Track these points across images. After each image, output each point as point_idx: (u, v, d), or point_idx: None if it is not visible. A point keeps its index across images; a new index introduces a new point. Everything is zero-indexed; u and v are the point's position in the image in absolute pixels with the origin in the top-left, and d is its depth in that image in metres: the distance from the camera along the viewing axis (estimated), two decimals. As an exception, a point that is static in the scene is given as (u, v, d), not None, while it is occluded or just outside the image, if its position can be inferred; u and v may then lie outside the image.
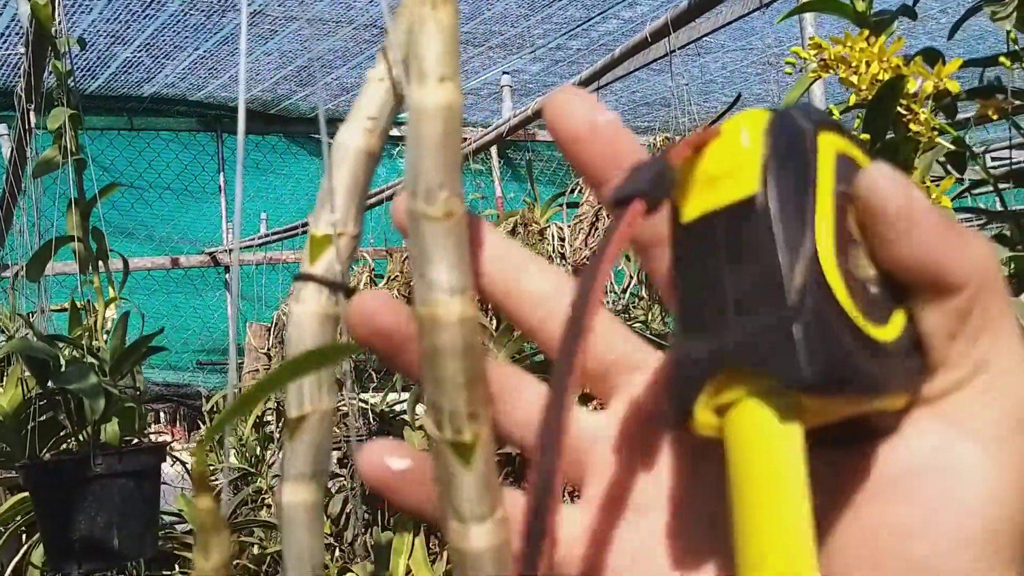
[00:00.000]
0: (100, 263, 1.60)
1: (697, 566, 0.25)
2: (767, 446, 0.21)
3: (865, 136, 1.10)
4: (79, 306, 1.53)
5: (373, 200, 2.97)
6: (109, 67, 3.91)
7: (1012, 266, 1.05)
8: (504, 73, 3.56)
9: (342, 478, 2.88)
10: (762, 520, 0.21)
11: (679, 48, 2.57)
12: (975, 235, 0.23)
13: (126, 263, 1.65)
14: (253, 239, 4.53)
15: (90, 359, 1.42)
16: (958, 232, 0.23)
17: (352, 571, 2.50)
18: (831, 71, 1.12)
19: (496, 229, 0.28)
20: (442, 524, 0.25)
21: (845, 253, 0.22)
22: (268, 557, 2.60)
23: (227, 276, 5.07)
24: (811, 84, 1.20)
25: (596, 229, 2.27)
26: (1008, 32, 1.04)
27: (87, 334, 1.47)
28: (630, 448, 0.27)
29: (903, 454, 0.23)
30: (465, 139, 4.12)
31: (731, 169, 0.23)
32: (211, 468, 3.01)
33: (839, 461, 0.24)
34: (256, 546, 2.64)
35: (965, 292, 0.23)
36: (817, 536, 0.22)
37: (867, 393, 0.22)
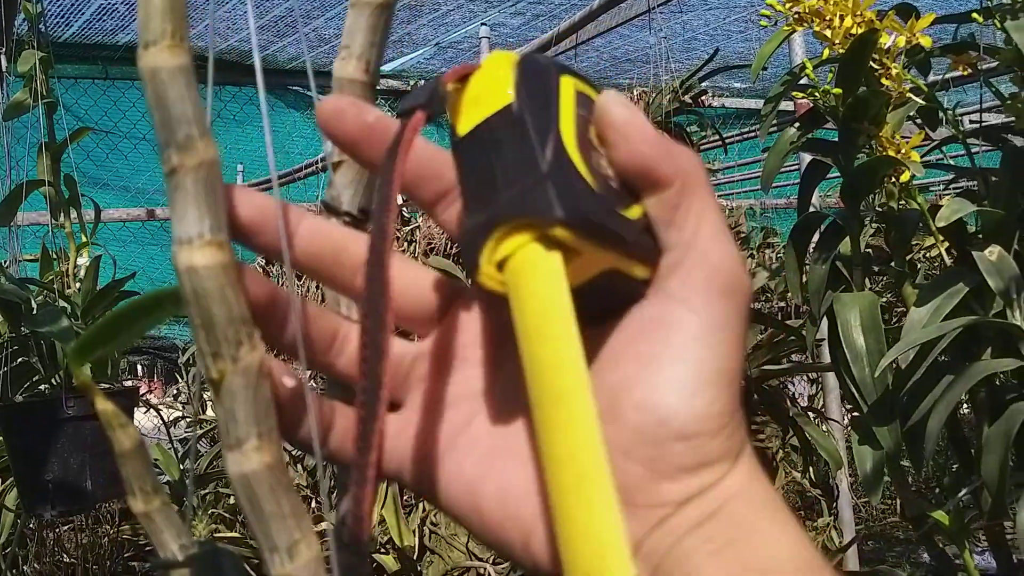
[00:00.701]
0: (72, 210, 1.58)
1: (510, 419, 0.30)
2: (536, 277, 0.26)
3: (837, 90, 1.11)
4: (51, 252, 1.52)
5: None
6: (83, 14, 3.83)
7: (979, 221, 1.06)
8: (483, 25, 3.52)
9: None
10: (541, 350, 0.26)
11: (660, 4, 2.55)
12: (683, 148, 0.29)
13: (98, 208, 1.64)
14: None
15: (62, 303, 1.42)
16: (668, 143, 0.29)
17: (326, 520, 2.52)
18: (806, 24, 1.12)
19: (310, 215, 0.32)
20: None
21: (588, 152, 0.28)
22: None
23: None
24: (786, 38, 1.20)
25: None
26: (981, -13, 1.04)
27: (59, 279, 1.46)
28: (444, 356, 0.32)
29: (634, 322, 0.29)
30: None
31: (491, 90, 0.28)
32: (187, 420, 3.02)
33: (597, 334, 0.30)
34: (232, 496, 2.66)
35: (673, 187, 0.29)
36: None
37: (614, 245, 0.27)
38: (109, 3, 3.77)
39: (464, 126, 0.29)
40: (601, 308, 0.29)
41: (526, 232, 0.26)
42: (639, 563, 0.27)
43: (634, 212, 0.29)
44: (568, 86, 0.29)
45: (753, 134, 3.89)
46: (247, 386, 0.27)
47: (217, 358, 0.27)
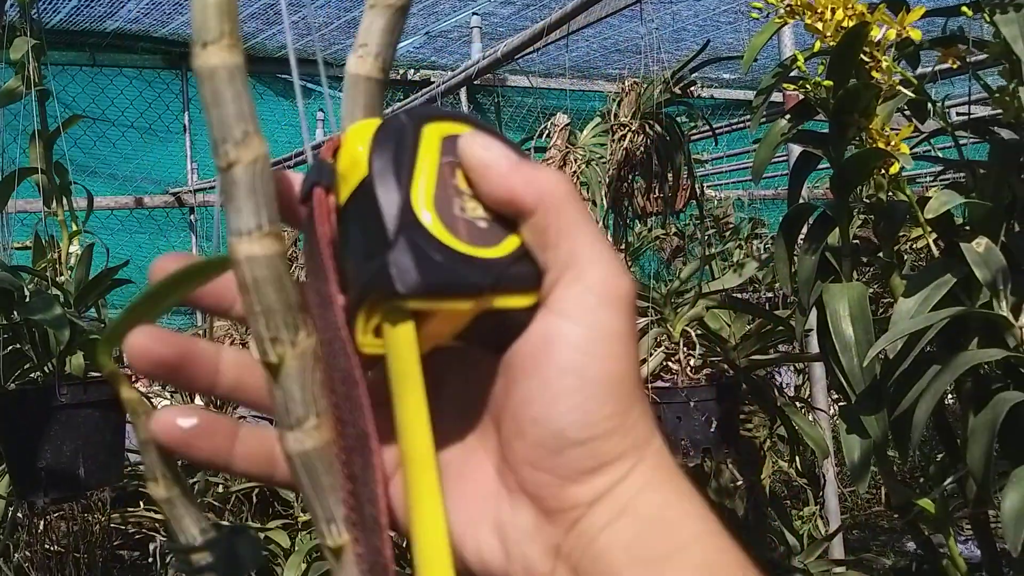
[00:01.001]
0: (63, 197, 1.58)
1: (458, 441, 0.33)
2: (392, 346, 0.29)
3: (828, 83, 1.12)
4: (43, 240, 1.51)
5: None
6: (70, 0, 3.80)
7: (966, 213, 1.08)
8: (474, 15, 3.51)
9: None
10: (401, 409, 0.29)
11: (651, -5, 2.55)
12: (541, 169, 0.31)
13: (90, 196, 1.63)
14: (217, 179, 4.47)
15: (54, 291, 1.41)
16: (525, 171, 0.31)
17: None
18: (797, 17, 1.13)
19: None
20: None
21: (450, 202, 0.30)
22: (232, 496, 2.63)
23: (191, 217, 5.01)
24: (777, 30, 1.21)
25: (563, 172, 2.27)
26: (970, -19, 1.05)
27: (51, 266, 1.46)
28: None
29: (524, 342, 0.31)
30: (432, 82, 4.08)
31: (353, 163, 0.31)
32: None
33: (499, 360, 0.32)
34: (220, 485, 2.66)
35: (538, 212, 0.30)
36: (494, 418, 0.31)
37: (469, 294, 0.29)
38: (97, -11, 3.74)
39: (341, 197, 0.31)
40: (500, 338, 0.31)
41: (382, 305, 0.29)
42: (560, 565, 0.29)
43: (509, 244, 0.31)
44: (432, 137, 0.31)
45: (741, 125, 3.90)
46: (304, 369, 0.29)
47: (276, 343, 0.29)
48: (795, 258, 1.19)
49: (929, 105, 1.12)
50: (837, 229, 1.16)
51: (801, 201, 1.23)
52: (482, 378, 0.33)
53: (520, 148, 0.33)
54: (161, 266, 0.32)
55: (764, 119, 1.27)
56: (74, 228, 1.56)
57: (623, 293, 0.30)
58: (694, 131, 2.26)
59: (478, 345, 0.32)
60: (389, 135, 0.31)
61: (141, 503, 2.61)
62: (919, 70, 1.15)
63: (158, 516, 2.54)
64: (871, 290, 1.81)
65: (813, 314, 1.16)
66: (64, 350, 1.36)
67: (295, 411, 0.29)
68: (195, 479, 2.66)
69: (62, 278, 1.55)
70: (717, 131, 2.66)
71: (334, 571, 0.29)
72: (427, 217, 0.30)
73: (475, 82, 2.77)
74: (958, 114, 2.75)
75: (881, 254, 1.18)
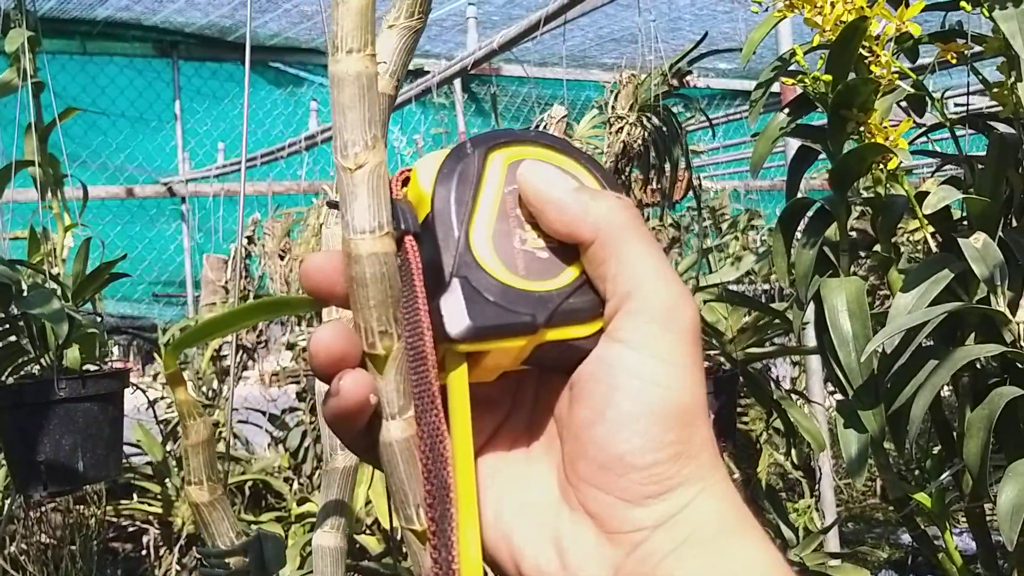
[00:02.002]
0: (58, 189, 1.57)
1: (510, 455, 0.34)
2: (449, 381, 0.31)
3: (827, 77, 1.12)
4: (37, 233, 1.50)
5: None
6: (60, -12, 3.77)
7: (964, 208, 1.08)
8: (470, 4, 3.50)
9: (300, 412, 2.89)
10: (454, 438, 0.30)
11: (646, -15, 2.54)
12: (601, 198, 0.31)
13: (85, 189, 1.63)
14: (210, 169, 4.45)
15: (52, 284, 1.41)
16: (582, 201, 0.31)
17: (311, 501, 2.53)
18: (796, 10, 1.13)
19: None
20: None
21: (510, 234, 0.31)
22: (228, 489, 2.62)
23: (183, 207, 4.99)
24: (776, 23, 1.21)
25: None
26: (970, -23, 1.05)
27: (47, 260, 1.45)
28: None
29: (588, 366, 0.31)
30: (427, 71, 4.06)
31: (419, 200, 0.32)
32: (168, 400, 3.01)
33: (567, 378, 0.32)
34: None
35: (596, 243, 0.31)
36: (563, 438, 0.32)
37: (521, 332, 0.30)
38: (88, -23, 3.71)
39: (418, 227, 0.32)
40: (566, 362, 0.32)
41: (440, 345, 0.30)
42: None
43: (570, 273, 0.31)
44: (497, 165, 0.32)
45: (738, 116, 3.90)
46: (403, 362, 0.31)
47: (384, 336, 0.30)
48: (793, 252, 1.20)
49: (928, 100, 1.12)
50: (835, 223, 1.16)
51: (799, 195, 1.23)
52: (552, 393, 0.33)
53: (594, 164, 0.33)
54: (312, 266, 0.32)
55: (761, 112, 1.27)
56: (68, 221, 1.55)
57: (686, 321, 0.31)
58: (691, 120, 2.26)
59: (546, 368, 0.33)
60: (453, 168, 0.32)
61: (135, 495, 2.61)
62: (918, 61, 1.15)
63: (151, 509, 2.53)
64: (869, 281, 1.82)
65: (810, 307, 1.16)
66: (62, 344, 1.35)
67: (396, 402, 0.30)
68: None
69: (57, 270, 1.54)
70: (714, 121, 2.66)
71: (416, 556, 0.31)
72: (484, 254, 0.31)
73: (470, 71, 2.76)
74: (956, 105, 2.76)
75: (879, 248, 1.18)
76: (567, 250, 0.32)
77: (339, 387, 0.30)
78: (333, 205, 0.34)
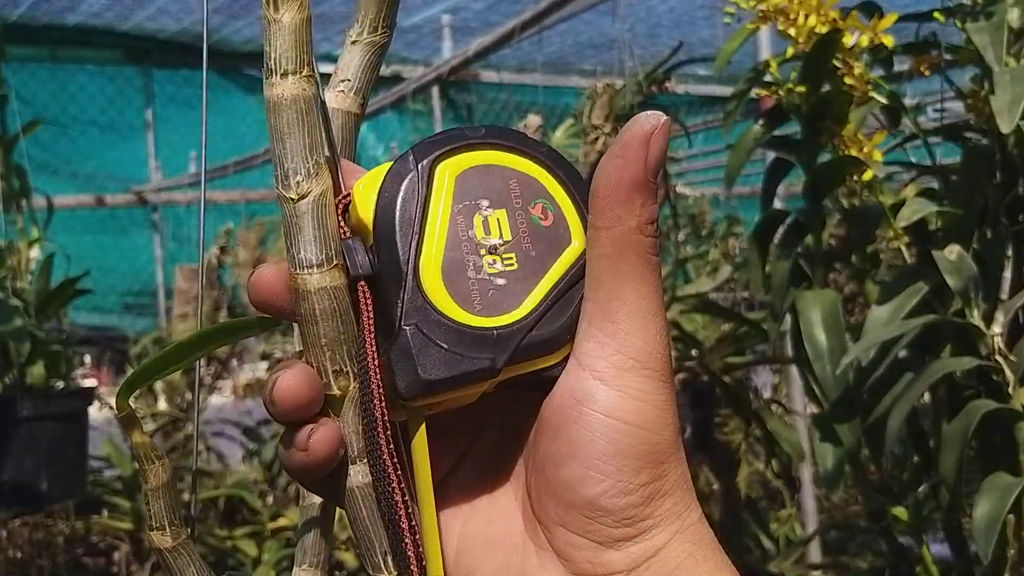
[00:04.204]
0: (23, 201, 1.54)
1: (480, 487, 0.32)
2: (412, 437, 0.29)
3: (801, 88, 1.12)
4: (1, 246, 1.47)
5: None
6: (29, -6, 3.72)
7: (938, 221, 1.08)
8: (444, 14, 3.49)
9: (274, 424, 2.86)
10: (418, 489, 0.29)
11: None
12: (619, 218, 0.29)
13: (50, 203, 1.60)
14: (183, 178, 4.41)
15: (14, 301, 1.38)
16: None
17: (284, 516, 2.50)
18: (769, 22, 1.13)
19: None
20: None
21: (463, 263, 0.28)
22: (200, 504, 2.59)
23: (155, 216, 4.93)
24: (749, 35, 1.20)
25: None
26: (943, -12, 1.05)
27: (10, 275, 1.42)
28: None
29: (555, 398, 0.29)
30: (403, 78, 4.04)
31: (362, 227, 0.29)
32: (141, 415, 2.96)
33: (536, 400, 0.30)
34: (186, 492, 2.62)
35: (594, 256, 0.29)
36: (524, 471, 0.30)
37: (479, 379, 0.28)
38: (57, -17, 3.67)
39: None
40: (535, 386, 0.30)
41: (395, 398, 0.29)
42: None
43: (534, 297, 0.29)
44: (445, 181, 0.29)
45: (717, 123, 3.91)
46: (356, 403, 0.29)
47: (339, 375, 0.29)
48: (768, 264, 1.19)
49: (902, 112, 1.12)
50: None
51: (775, 206, 1.23)
52: (518, 414, 0.31)
53: (555, 160, 0.30)
54: (260, 279, 0.30)
55: (739, 119, 1.27)
56: (34, 234, 1.52)
57: (661, 358, 0.29)
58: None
59: (511, 389, 0.30)
60: (396, 189, 0.29)
61: (104, 511, 2.57)
62: (893, 69, 1.15)
63: (122, 525, 2.49)
64: (846, 288, 1.82)
65: (788, 317, 1.16)
66: (24, 362, 1.32)
67: (356, 444, 0.29)
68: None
69: (21, 283, 1.51)
70: (693, 128, 2.66)
71: None
72: (435, 291, 0.28)
73: (447, 80, 2.75)
74: (934, 111, 2.77)
75: (854, 259, 1.18)
76: (529, 269, 0.29)
77: (309, 444, 0.28)
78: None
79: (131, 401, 0.31)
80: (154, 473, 0.30)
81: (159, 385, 2.95)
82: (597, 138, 1.53)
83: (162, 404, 2.78)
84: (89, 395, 1.45)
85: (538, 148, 0.30)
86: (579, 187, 0.30)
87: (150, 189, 4.66)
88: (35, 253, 1.53)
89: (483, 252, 0.29)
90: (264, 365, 3.47)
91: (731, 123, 1.25)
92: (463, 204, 0.29)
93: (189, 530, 0.31)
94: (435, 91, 3.61)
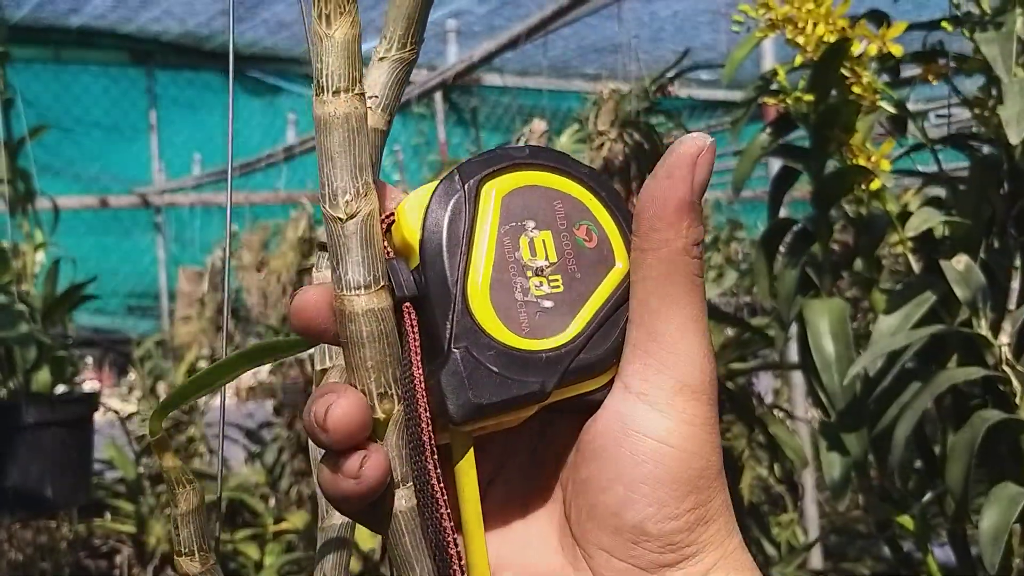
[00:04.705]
0: (28, 205, 1.54)
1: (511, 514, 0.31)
2: (454, 450, 0.28)
3: (809, 96, 1.12)
4: (6, 252, 1.47)
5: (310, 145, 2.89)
6: (33, -5, 3.73)
7: (946, 230, 1.08)
8: (449, 18, 3.49)
9: (277, 426, 2.86)
10: (463, 514, 0.28)
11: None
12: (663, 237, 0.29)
13: (56, 207, 1.60)
14: (187, 180, 4.41)
15: (20, 306, 1.38)
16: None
17: (286, 519, 2.50)
18: (778, 30, 1.13)
19: None
20: None
21: (511, 285, 0.28)
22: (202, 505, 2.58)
23: (158, 218, 4.93)
24: (757, 43, 1.20)
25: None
26: (952, -3, 1.05)
27: (15, 280, 1.42)
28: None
29: (600, 420, 0.29)
30: (409, 83, 4.03)
31: (407, 247, 0.29)
32: (142, 416, 2.96)
33: (574, 423, 0.30)
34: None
35: (640, 278, 0.28)
36: (562, 494, 0.30)
37: (528, 403, 0.28)
38: (62, -15, 3.67)
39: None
40: (577, 408, 0.30)
41: (441, 420, 0.28)
42: None
43: (581, 319, 0.29)
44: (491, 201, 0.29)
45: (720, 127, 3.91)
46: (400, 426, 0.29)
47: (384, 398, 0.28)
48: (775, 271, 1.19)
49: (909, 120, 1.12)
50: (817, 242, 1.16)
51: (783, 210, 1.23)
52: (555, 438, 0.31)
53: (598, 180, 0.30)
54: (303, 302, 0.29)
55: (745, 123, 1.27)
56: (39, 238, 1.52)
57: (708, 382, 0.29)
58: (672, 132, 2.25)
59: (552, 412, 0.30)
60: (443, 209, 0.28)
61: (107, 514, 2.57)
62: (900, 75, 1.15)
63: (124, 528, 2.49)
64: (852, 293, 1.82)
65: (794, 323, 1.16)
66: (30, 368, 1.32)
67: (400, 468, 0.28)
68: (162, 489, 2.62)
69: (26, 287, 1.51)
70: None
71: None
72: (484, 314, 0.28)
73: (451, 84, 2.75)
74: (937, 116, 2.77)
75: (861, 268, 1.18)
76: (575, 291, 0.29)
77: (361, 472, 0.27)
78: (324, 247, 0.33)
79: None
80: (184, 498, 0.30)
81: (161, 387, 2.95)
82: (603, 144, 1.53)
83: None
84: (94, 401, 1.45)
85: (580, 168, 0.30)
86: (621, 208, 0.30)
87: (153, 191, 4.66)
88: (40, 257, 1.53)
89: (530, 274, 0.29)
90: (266, 369, 3.47)
91: (738, 131, 1.25)
92: (509, 225, 0.29)
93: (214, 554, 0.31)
94: (438, 95, 3.61)
